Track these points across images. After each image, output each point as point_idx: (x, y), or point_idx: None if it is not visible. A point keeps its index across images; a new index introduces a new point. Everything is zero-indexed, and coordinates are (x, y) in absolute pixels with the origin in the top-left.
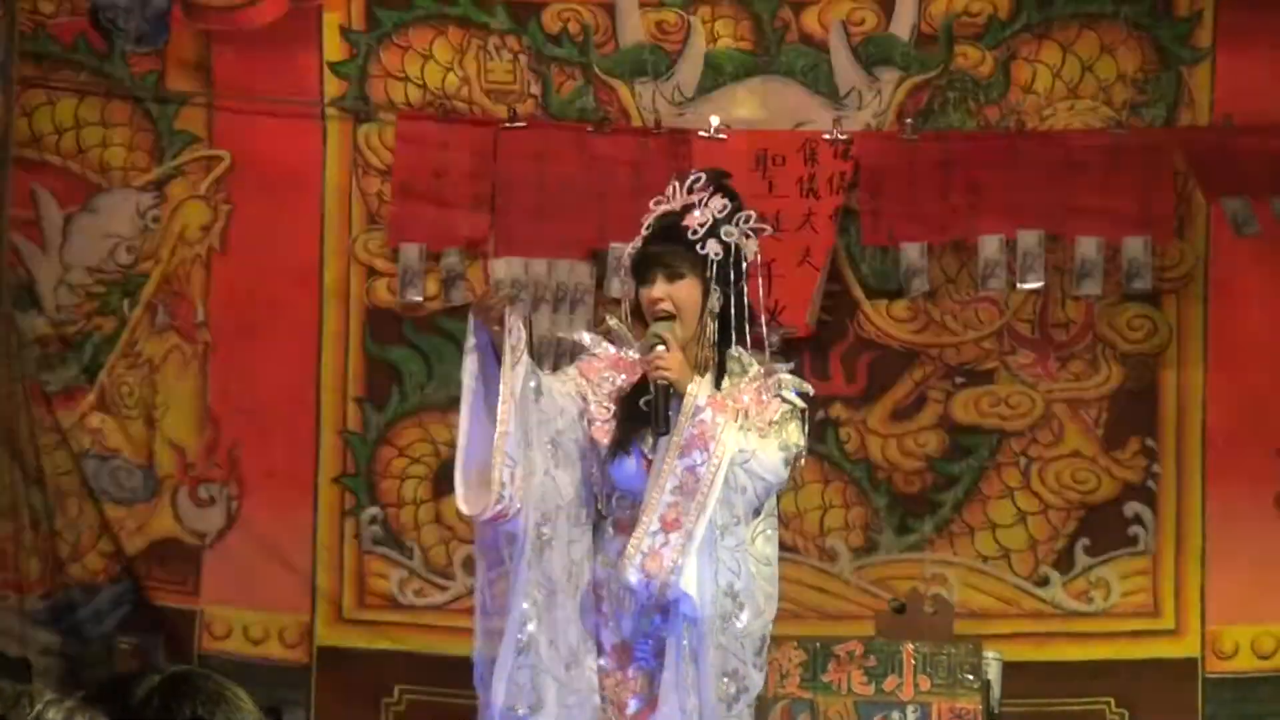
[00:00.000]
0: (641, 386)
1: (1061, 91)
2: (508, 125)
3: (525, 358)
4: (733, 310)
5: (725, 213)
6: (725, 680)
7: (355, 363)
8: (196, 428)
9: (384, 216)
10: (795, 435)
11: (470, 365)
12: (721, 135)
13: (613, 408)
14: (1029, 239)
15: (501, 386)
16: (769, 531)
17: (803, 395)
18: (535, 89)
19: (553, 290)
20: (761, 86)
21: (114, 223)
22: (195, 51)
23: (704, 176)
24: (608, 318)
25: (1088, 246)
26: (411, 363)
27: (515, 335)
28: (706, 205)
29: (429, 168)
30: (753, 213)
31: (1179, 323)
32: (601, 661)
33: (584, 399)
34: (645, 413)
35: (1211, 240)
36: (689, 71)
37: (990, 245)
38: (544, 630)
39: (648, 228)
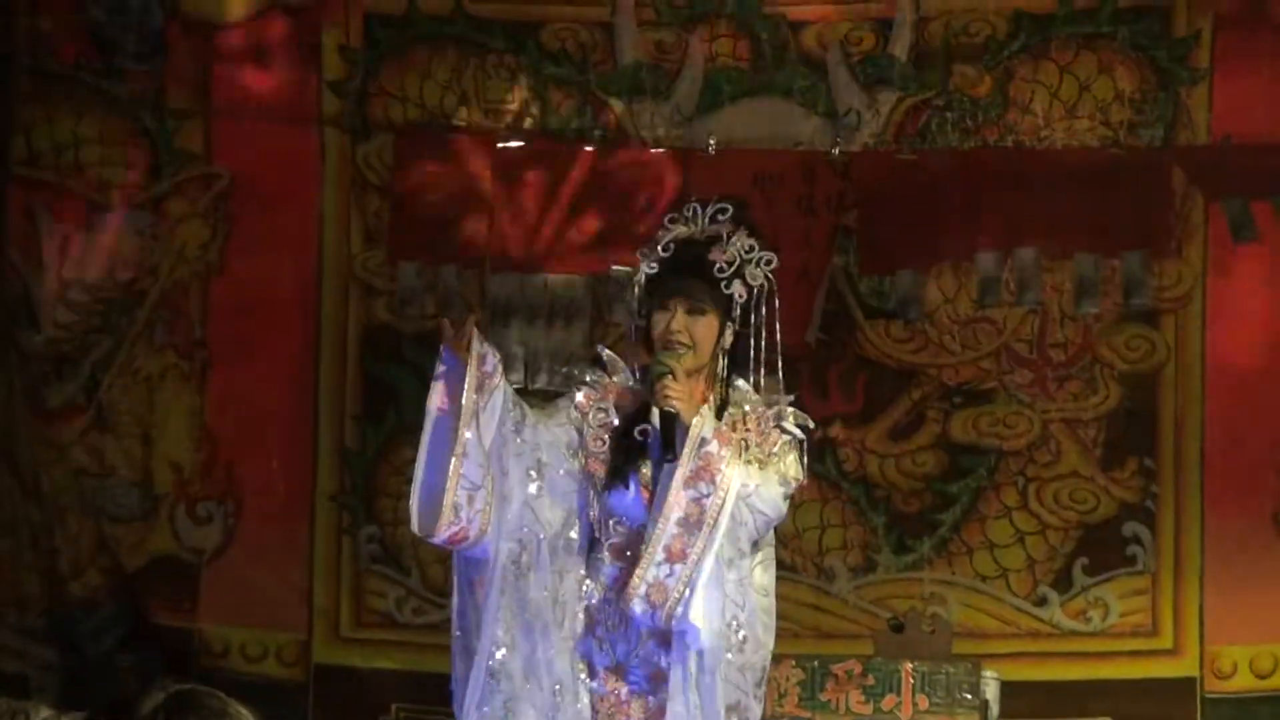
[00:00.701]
0: (636, 416)
1: (1059, 111)
2: (505, 144)
3: (503, 385)
4: (751, 348)
5: (751, 254)
6: (729, 713)
7: (353, 381)
8: (194, 445)
9: (382, 235)
10: (794, 469)
11: (438, 391)
12: (719, 154)
13: (608, 439)
14: (1026, 256)
15: (463, 412)
16: (766, 562)
17: (803, 428)
18: (533, 108)
19: (548, 308)
20: (760, 106)
21: (113, 240)
22: (194, 70)
23: (729, 207)
24: (598, 347)
25: (1086, 264)
26: (409, 381)
27: (489, 363)
28: (733, 242)
29: (427, 186)
30: (774, 255)
31: (1177, 343)
32: (594, 684)
33: (579, 432)
34: (641, 443)
35: (1210, 260)
36: (687, 91)
37: (987, 262)
38: (518, 658)
39: (665, 249)
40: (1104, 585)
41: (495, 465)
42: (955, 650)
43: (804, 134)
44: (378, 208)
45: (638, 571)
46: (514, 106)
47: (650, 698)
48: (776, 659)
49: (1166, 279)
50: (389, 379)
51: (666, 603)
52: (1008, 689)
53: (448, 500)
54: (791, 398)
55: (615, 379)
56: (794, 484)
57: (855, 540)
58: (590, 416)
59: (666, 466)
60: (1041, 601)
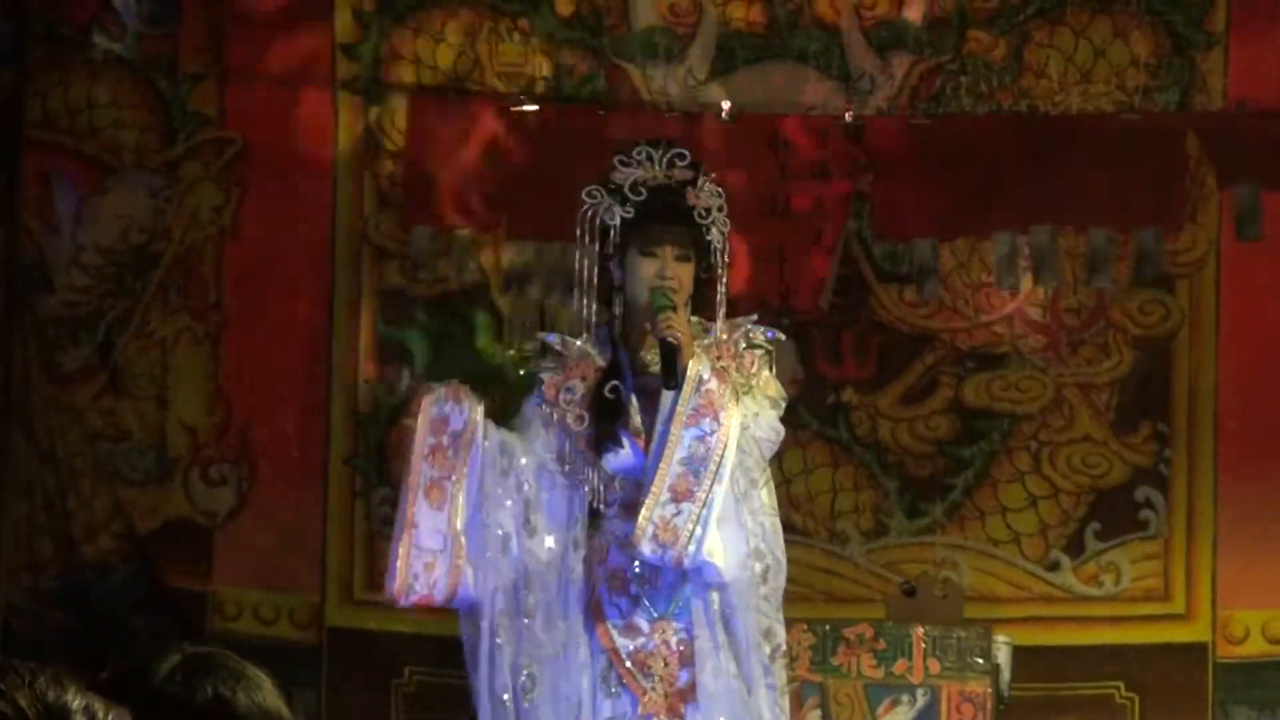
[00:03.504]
0: (605, 380)
1: (1074, 76)
2: (519, 107)
3: (479, 437)
4: (717, 292)
5: (719, 198)
6: (763, 642)
7: (366, 344)
8: (208, 408)
9: (395, 199)
10: (774, 386)
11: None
12: (733, 119)
13: (585, 412)
14: (1042, 236)
15: (410, 486)
16: (768, 482)
17: (772, 339)
18: (547, 71)
19: (564, 274)
20: (773, 70)
21: (127, 204)
22: (207, 34)
23: (686, 154)
24: (541, 336)
25: (1099, 239)
26: (422, 344)
27: (457, 421)
28: (704, 188)
29: (441, 150)
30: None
31: (1191, 307)
32: (640, 641)
33: (558, 421)
34: (614, 400)
35: (1224, 225)
36: (701, 55)
37: (1003, 243)
38: (539, 691)
39: (635, 192)
40: (1116, 550)
41: (473, 523)
42: (967, 615)
43: (818, 98)
44: (391, 171)
45: (643, 513)
46: (527, 70)
47: (690, 641)
48: (788, 623)
49: (1181, 244)
50: (402, 342)
51: (677, 542)
52: (1019, 654)
53: (402, 572)
54: (754, 317)
55: (570, 356)
56: (782, 402)
57: (867, 504)
58: (561, 399)
59: (662, 403)
60: (1054, 566)
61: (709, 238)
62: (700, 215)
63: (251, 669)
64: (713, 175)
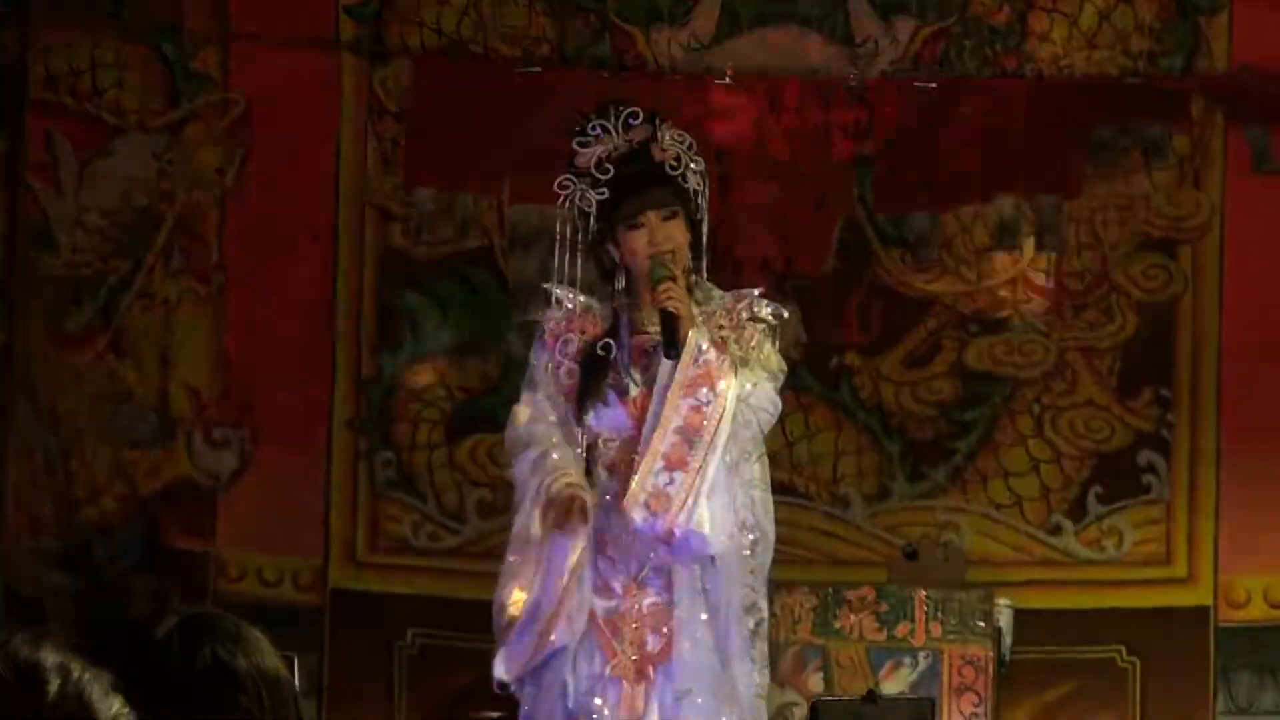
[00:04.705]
0: (603, 336)
1: (1079, 40)
2: (523, 70)
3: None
4: (703, 236)
5: (683, 141)
6: (747, 614)
7: (369, 306)
8: (211, 370)
9: (399, 160)
10: (775, 359)
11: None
12: (736, 82)
13: (576, 368)
14: (1046, 203)
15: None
16: (762, 455)
17: (775, 314)
18: (551, 34)
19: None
20: (778, 34)
21: (130, 165)
22: None
23: (638, 111)
24: (546, 286)
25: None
26: (425, 307)
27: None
28: (666, 138)
29: (444, 112)
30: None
31: (1194, 272)
32: (613, 603)
33: (552, 371)
34: (604, 357)
35: (1227, 189)
36: (705, 18)
37: (1006, 206)
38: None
39: (602, 170)
40: (1118, 514)
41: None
42: (969, 578)
43: (821, 62)
44: (394, 133)
45: (636, 479)
46: (531, 32)
47: (671, 609)
48: (790, 585)
49: (1185, 209)
50: (405, 304)
51: (669, 511)
52: (1021, 617)
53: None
54: (758, 290)
55: (573, 308)
56: (781, 376)
57: (870, 467)
58: (558, 350)
59: (661, 372)
60: (1056, 530)
61: (687, 184)
62: (670, 167)
63: (249, 630)
64: (669, 122)
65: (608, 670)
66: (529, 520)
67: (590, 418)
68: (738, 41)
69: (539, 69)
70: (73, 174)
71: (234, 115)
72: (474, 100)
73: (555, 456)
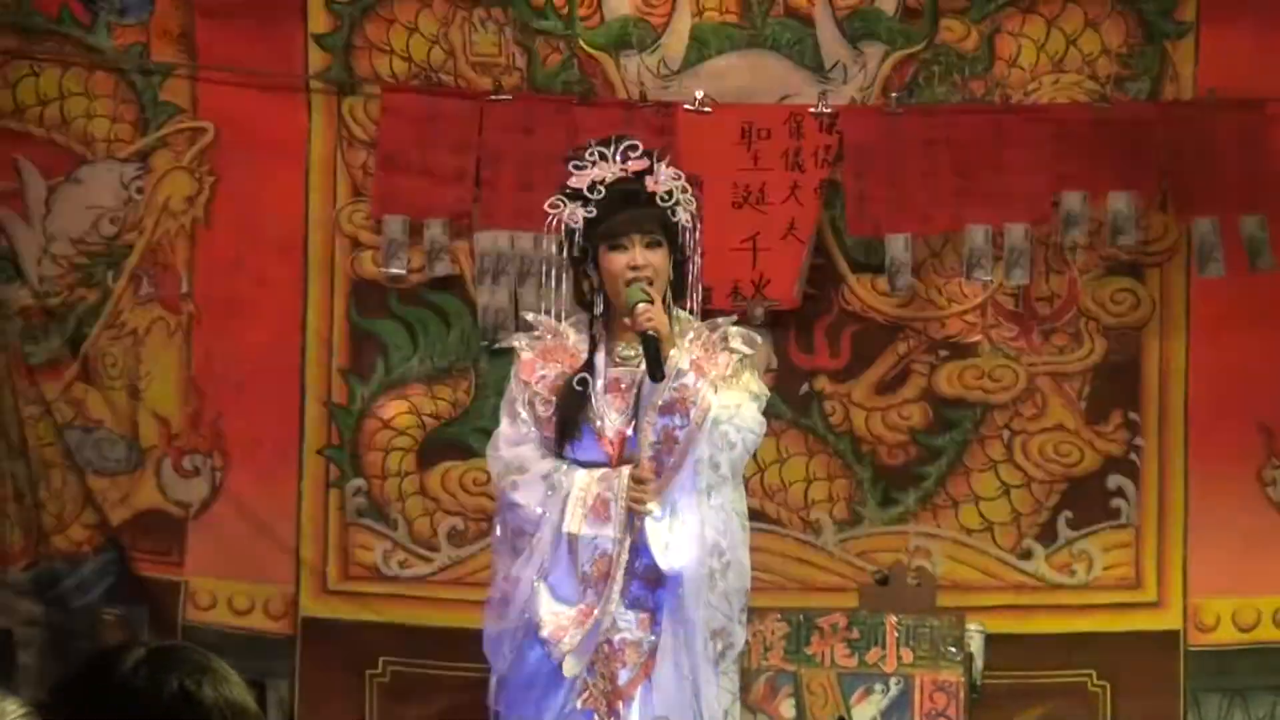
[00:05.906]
0: (577, 370)
1: (1046, 65)
2: (493, 98)
3: None
4: (689, 275)
5: (679, 180)
6: (714, 638)
7: (339, 334)
8: (181, 399)
9: (368, 189)
10: (757, 384)
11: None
12: (706, 109)
13: (552, 401)
14: (1016, 232)
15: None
16: (741, 483)
17: (749, 343)
18: (520, 62)
19: (538, 264)
20: (747, 60)
21: (98, 194)
22: (179, 23)
23: (638, 145)
24: (526, 315)
25: (1073, 201)
26: (396, 335)
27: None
28: (660, 173)
29: (414, 140)
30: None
31: (1162, 296)
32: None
33: (527, 402)
34: (580, 392)
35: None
36: (675, 45)
37: (977, 235)
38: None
39: (594, 191)
40: (1088, 538)
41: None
42: (940, 603)
43: (791, 88)
44: (364, 161)
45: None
46: (501, 60)
47: (643, 644)
48: (762, 612)
49: (1152, 233)
50: (376, 332)
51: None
52: (992, 642)
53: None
54: (734, 318)
55: (549, 339)
56: (764, 397)
57: (840, 493)
58: (535, 381)
59: (644, 394)
60: (1026, 555)
61: (676, 219)
62: (662, 199)
63: (217, 662)
64: (668, 159)
65: (578, 704)
66: (559, 520)
67: (567, 450)
68: (707, 67)
69: (509, 97)
70: (40, 203)
71: (203, 144)
72: (444, 128)
73: (566, 465)
